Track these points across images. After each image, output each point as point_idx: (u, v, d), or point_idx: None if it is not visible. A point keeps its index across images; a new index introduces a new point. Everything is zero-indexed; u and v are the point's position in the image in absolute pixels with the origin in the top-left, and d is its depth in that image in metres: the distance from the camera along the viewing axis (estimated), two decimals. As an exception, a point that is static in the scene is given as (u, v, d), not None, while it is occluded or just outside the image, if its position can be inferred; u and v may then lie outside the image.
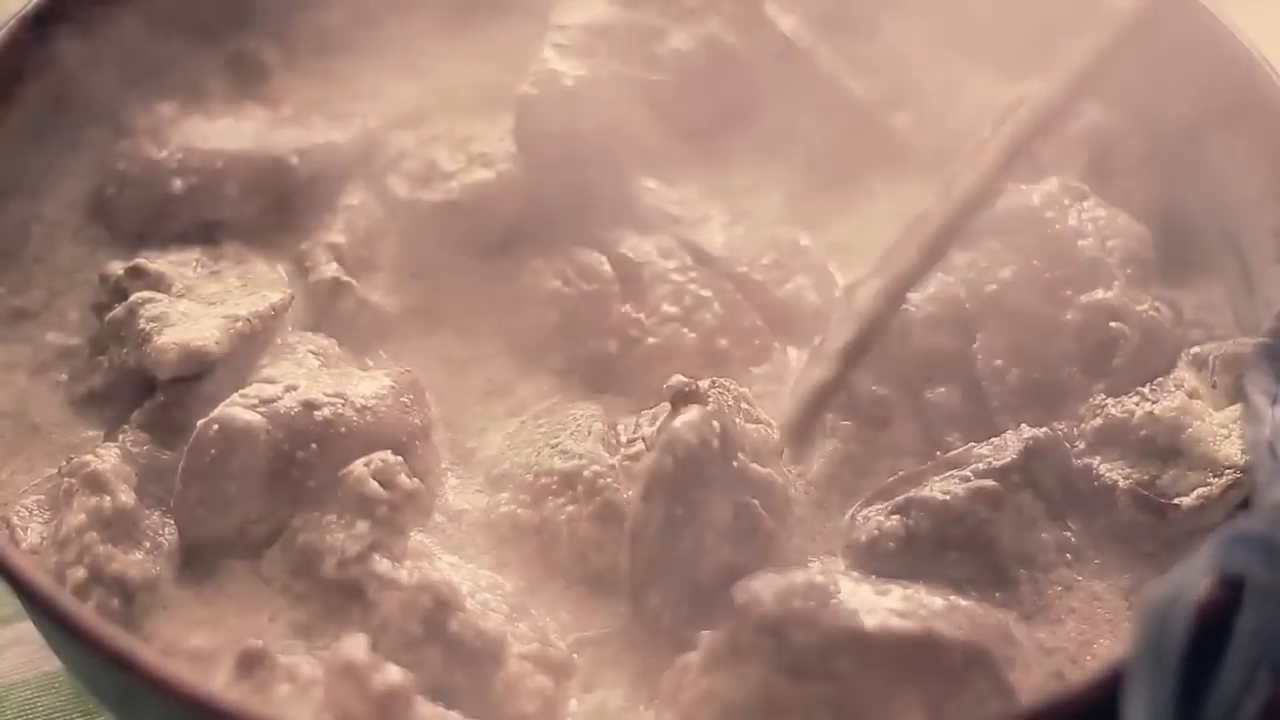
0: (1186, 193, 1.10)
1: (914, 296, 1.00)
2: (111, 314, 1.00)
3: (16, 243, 1.07)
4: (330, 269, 1.05)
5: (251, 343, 0.98)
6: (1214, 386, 0.96)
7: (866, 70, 1.16)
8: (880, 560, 0.91)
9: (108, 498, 0.90)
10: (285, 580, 0.90)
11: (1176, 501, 0.92)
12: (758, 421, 0.94)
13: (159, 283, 1.01)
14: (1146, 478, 0.94)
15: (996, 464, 0.93)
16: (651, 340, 1.02)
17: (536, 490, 0.94)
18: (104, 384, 1.00)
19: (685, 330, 1.03)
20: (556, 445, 0.96)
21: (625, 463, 0.94)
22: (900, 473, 0.95)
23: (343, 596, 0.88)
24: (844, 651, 0.80)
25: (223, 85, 1.16)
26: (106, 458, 0.92)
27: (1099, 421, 0.96)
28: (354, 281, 1.05)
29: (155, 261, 1.03)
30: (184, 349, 0.95)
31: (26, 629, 1.03)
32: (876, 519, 0.92)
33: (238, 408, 0.91)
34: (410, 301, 1.06)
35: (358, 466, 0.91)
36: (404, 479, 0.92)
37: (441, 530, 0.94)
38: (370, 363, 1.02)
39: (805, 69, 1.13)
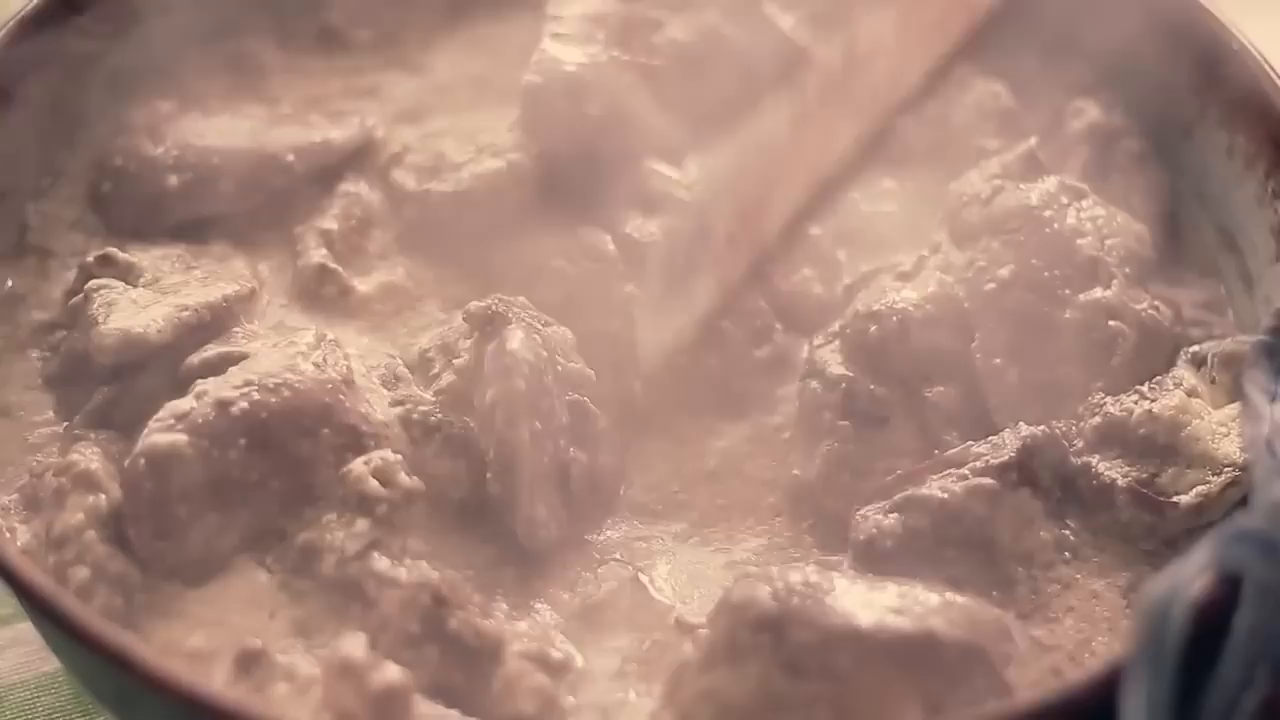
0: (1185, 192, 1.10)
1: (912, 295, 1.00)
2: (73, 299, 1.01)
3: (15, 236, 1.07)
4: (318, 254, 1.05)
5: (198, 333, 0.97)
6: (1213, 383, 0.96)
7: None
8: (878, 559, 0.91)
9: (103, 496, 0.90)
10: (285, 577, 0.90)
11: (1175, 499, 0.92)
12: (548, 324, 0.98)
13: (127, 272, 1.02)
14: (1145, 476, 0.93)
15: (994, 462, 0.93)
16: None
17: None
18: (60, 367, 1.00)
19: None
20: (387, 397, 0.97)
21: (441, 397, 0.96)
22: (898, 471, 0.95)
23: (342, 594, 0.88)
24: (842, 649, 0.80)
25: (221, 83, 1.16)
26: (92, 456, 0.92)
27: (1098, 420, 0.96)
28: (340, 269, 1.05)
29: (137, 255, 1.03)
30: (124, 335, 0.95)
31: (25, 629, 1.03)
32: (875, 518, 0.92)
33: (156, 434, 0.90)
34: (410, 291, 1.06)
35: (357, 465, 0.91)
36: (403, 477, 0.91)
37: None
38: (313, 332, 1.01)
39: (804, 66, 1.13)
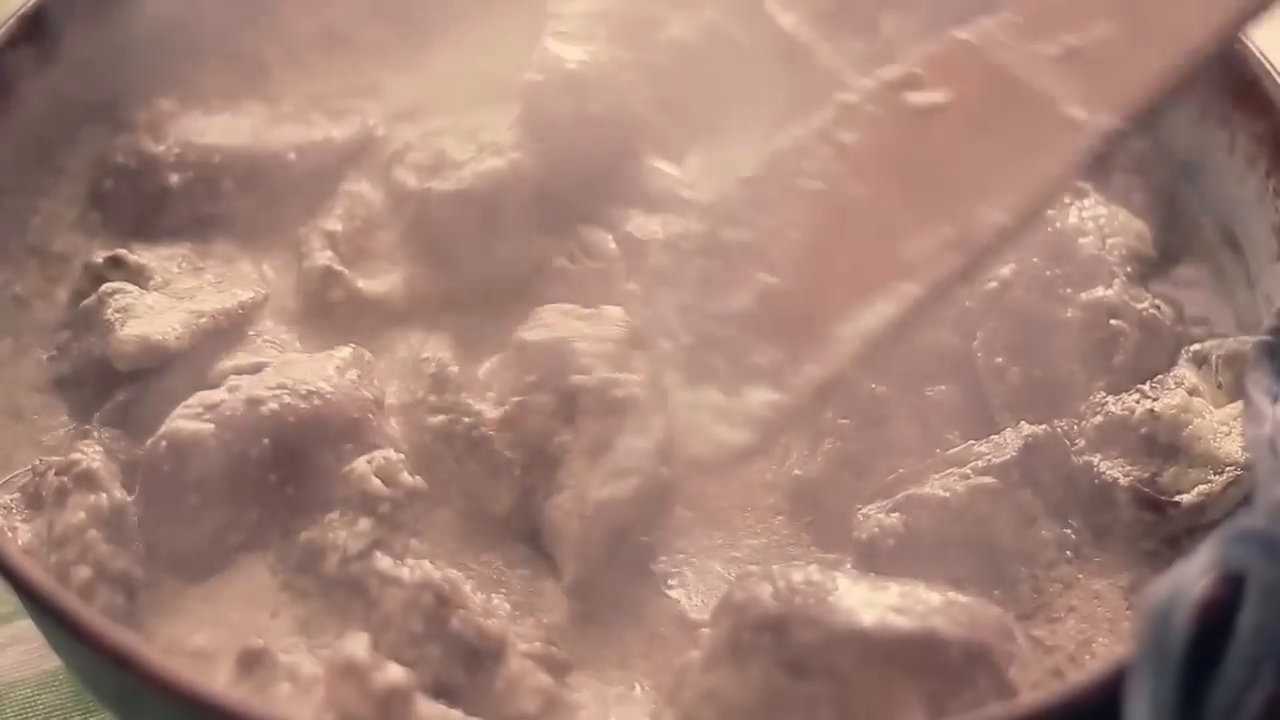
0: (1187, 190, 1.10)
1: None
2: (84, 302, 1.01)
3: (15, 235, 1.07)
4: (324, 256, 1.05)
5: (216, 339, 0.98)
6: (1219, 386, 0.96)
7: (866, 68, 1.16)
8: (880, 558, 0.91)
9: (104, 495, 0.90)
10: (288, 576, 0.90)
11: (1177, 499, 0.92)
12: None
13: (138, 275, 1.02)
14: (1147, 475, 0.93)
15: (996, 461, 0.93)
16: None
17: (423, 452, 0.95)
18: (73, 370, 1.00)
19: None
20: (424, 401, 0.97)
21: (505, 412, 0.95)
22: (900, 471, 0.95)
23: (345, 593, 0.88)
24: (845, 649, 0.80)
25: (222, 81, 1.16)
26: (94, 455, 0.92)
27: (1099, 419, 0.96)
28: (345, 270, 1.05)
29: (142, 255, 1.03)
30: (143, 342, 0.96)
31: (26, 627, 1.03)
32: (876, 517, 0.92)
33: (182, 419, 0.91)
34: (411, 289, 1.06)
35: (360, 464, 0.91)
36: (406, 476, 0.92)
37: None
38: (352, 349, 1.02)
39: (805, 65, 1.13)
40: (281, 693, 0.82)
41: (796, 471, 0.98)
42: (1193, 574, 0.72)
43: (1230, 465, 0.92)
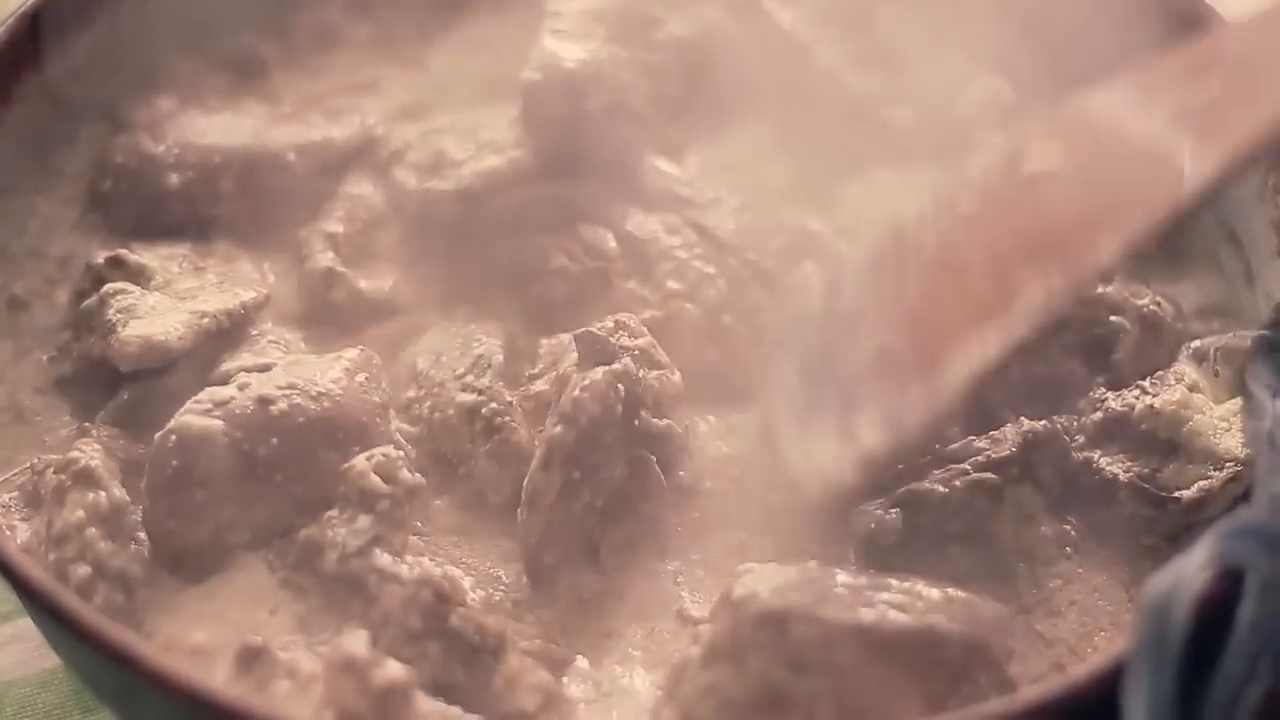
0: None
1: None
2: (86, 302, 1.01)
3: (15, 236, 1.07)
4: (325, 258, 1.05)
5: (218, 339, 0.99)
6: (1215, 378, 0.96)
7: (865, 66, 1.16)
8: (879, 554, 0.91)
9: (103, 493, 0.90)
10: (287, 573, 0.90)
11: (1177, 495, 0.92)
12: (660, 367, 0.96)
13: (139, 275, 1.02)
14: (1147, 471, 0.93)
15: (995, 457, 0.93)
16: (655, 315, 1.02)
17: (439, 427, 0.96)
18: (74, 371, 1.00)
19: (689, 306, 1.03)
20: (460, 378, 0.97)
21: (525, 403, 0.96)
22: (899, 467, 0.95)
23: (344, 590, 0.88)
24: (844, 645, 0.80)
25: (221, 81, 1.16)
26: (93, 453, 0.92)
27: (1099, 415, 0.96)
28: (347, 271, 1.05)
29: (143, 255, 1.03)
30: (145, 342, 0.96)
31: (25, 626, 1.03)
32: (876, 513, 0.92)
33: (192, 415, 0.90)
34: (411, 290, 1.06)
35: (360, 461, 0.91)
36: (405, 474, 0.92)
37: None
38: (359, 351, 1.02)
39: (803, 63, 1.13)
40: (280, 690, 0.82)
41: (797, 469, 0.99)
42: (1192, 569, 0.72)
43: (1230, 461, 0.92)
